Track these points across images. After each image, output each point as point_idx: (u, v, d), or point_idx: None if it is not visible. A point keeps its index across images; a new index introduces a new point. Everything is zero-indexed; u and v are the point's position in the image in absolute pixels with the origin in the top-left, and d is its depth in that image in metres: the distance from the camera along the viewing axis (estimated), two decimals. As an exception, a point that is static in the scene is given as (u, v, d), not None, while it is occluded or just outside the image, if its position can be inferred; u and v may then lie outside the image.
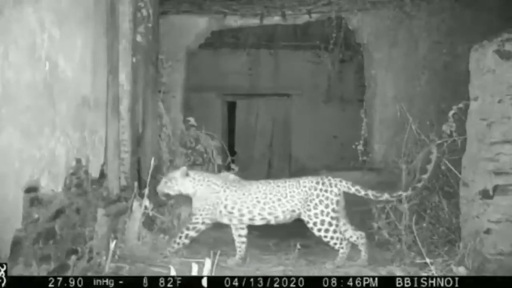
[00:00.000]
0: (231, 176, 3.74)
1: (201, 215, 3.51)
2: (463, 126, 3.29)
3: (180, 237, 3.51)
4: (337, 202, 3.44)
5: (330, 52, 6.77)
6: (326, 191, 3.43)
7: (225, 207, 3.50)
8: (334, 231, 3.40)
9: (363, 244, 3.52)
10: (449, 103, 4.11)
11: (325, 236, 3.41)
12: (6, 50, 2.03)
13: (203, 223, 3.51)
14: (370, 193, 3.50)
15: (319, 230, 3.40)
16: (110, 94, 3.38)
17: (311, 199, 3.41)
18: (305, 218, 3.44)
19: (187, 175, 3.54)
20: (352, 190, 3.50)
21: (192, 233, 3.51)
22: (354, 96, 7.62)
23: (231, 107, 8.74)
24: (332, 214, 3.40)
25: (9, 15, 2.06)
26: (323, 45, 6.80)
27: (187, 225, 3.55)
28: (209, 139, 5.51)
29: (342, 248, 3.44)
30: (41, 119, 2.31)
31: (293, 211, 3.47)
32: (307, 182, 3.46)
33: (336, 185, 3.47)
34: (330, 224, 3.39)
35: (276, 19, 6.06)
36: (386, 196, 3.49)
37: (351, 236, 3.54)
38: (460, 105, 3.71)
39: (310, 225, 3.42)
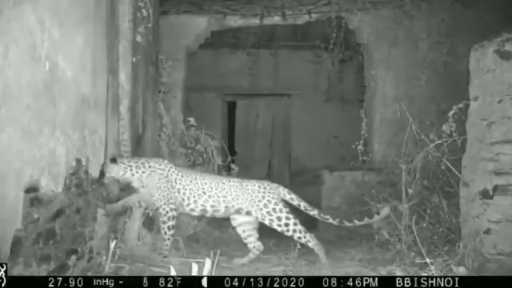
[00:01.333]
0: (165, 160, 3.70)
1: (165, 203, 3.48)
2: (463, 126, 3.29)
3: (165, 233, 3.50)
4: (281, 199, 3.56)
5: (330, 52, 6.76)
6: (269, 193, 3.54)
7: (178, 191, 3.51)
8: (295, 224, 3.48)
9: (254, 254, 3.65)
10: (449, 103, 4.11)
11: (287, 231, 3.48)
12: (6, 50, 2.03)
13: (172, 209, 3.49)
14: (302, 205, 3.60)
15: (279, 225, 3.48)
16: (110, 94, 3.38)
17: (259, 199, 3.51)
18: (259, 216, 3.51)
19: (114, 161, 3.40)
20: (287, 197, 3.61)
21: (171, 223, 3.49)
22: (354, 96, 7.62)
23: (231, 107, 8.73)
24: (285, 209, 3.51)
25: (9, 15, 2.06)
26: (323, 45, 6.80)
27: (161, 219, 3.51)
28: (209, 139, 5.51)
29: (309, 240, 3.49)
30: (41, 119, 2.31)
31: (240, 209, 3.54)
32: (249, 185, 3.56)
33: (274, 189, 3.59)
34: (288, 218, 3.48)
35: (276, 19, 6.06)
36: (315, 212, 3.59)
37: (250, 242, 3.67)
38: (460, 105, 3.71)
39: (267, 221, 3.51)
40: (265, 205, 3.50)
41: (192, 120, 5.43)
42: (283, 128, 8.56)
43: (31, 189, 2.22)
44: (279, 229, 3.50)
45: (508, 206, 2.81)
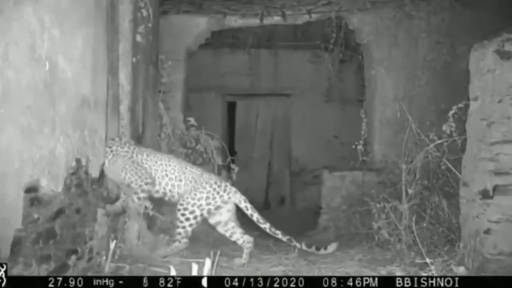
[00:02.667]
0: (128, 141, 3.66)
1: (136, 179, 3.43)
2: (463, 126, 3.29)
3: (140, 204, 3.48)
4: (218, 207, 3.54)
5: (330, 52, 6.76)
6: (217, 193, 3.52)
7: (146, 170, 3.49)
8: (190, 225, 3.48)
9: (247, 248, 3.62)
10: (449, 103, 4.11)
11: (181, 222, 3.46)
12: (6, 50, 2.03)
13: (146, 183, 3.46)
14: (255, 216, 3.61)
15: (183, 214, 3.46)
16: (110, 94, 3.38)
17: (201, 191, 3.49)
18: (182, 201, 3.49)
19: None
20: (242, 205, 3.61)
21: (143, 195, 3.44)
22: (354, 96, 7.62)
23: (231, 107, 8.73)
24: (204, 212, 3.50)
25: (9, 15, 2.06)
26: (323, 45, 6.80)
27: (134, 194, 3.44)
28: (209, 139, 5.51)
29: (180, 242, 3.50)
30: (41, 119, 2.31)
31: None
32: (207, 178, 3.54)
33: (228, 193, 3.57)
34: (195, 217, 3.47)
35: (276, 19, 6.06)
36: (266, 225, 3.59)
37: (238, 239, 3.66)
38: (460, 105, 3.72)
39: (179, 206, 3.48)
40: (199, 199, 3.47)
41: (192, 120, 5.43)
42: (283, 128, 8.56)
43: (31, 189, 2.22)
44: (178, 214, 3.47)
45: (508, 206, 2.81)
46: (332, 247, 3.64)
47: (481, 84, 3.04)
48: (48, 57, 2.35)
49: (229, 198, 3.57)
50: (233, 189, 3.63)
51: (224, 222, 3.65)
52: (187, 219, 3.47)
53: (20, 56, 2.13)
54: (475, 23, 5.21)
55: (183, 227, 3.48)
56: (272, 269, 3.43)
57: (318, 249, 3.61)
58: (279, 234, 3.58)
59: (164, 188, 3.53)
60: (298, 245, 3.58)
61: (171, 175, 3.53)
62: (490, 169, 2.89)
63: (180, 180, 3.53)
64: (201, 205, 3.48)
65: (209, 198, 3.50)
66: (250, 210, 3.60)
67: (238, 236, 3.66)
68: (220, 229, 3.70)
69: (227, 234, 3.70)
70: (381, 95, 5.74)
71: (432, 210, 3.86)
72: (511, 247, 2.80)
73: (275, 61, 8.17)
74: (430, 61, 5.54)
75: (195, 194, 3.49)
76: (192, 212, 3.47)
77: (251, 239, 3.66)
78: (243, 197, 3.63)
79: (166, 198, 3.60)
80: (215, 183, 3.56)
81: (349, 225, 4.89)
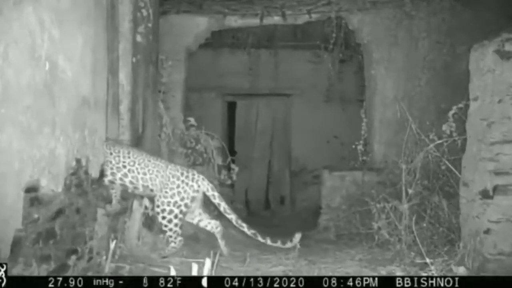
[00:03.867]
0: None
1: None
2: (463, 126, 3.29)
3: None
4: (193, 198, 3.54)
5: (330, 52, 6.76)
6: (187, 184, 3.51)
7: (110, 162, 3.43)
8: (176, 225, 3.49)
9: (218, 232, 3.66)
10: (449, 103, 4.11)
11: (166, 226, 3.49)
12: (6, 50, 2.03)
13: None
14: (222, 205, 3.60)
15: (164, 218, 3.47)
16: (110, 94, 3.39)
17: (171, 187, 3.47)
18: (157, 201, 3.49)
19: None
20: (209, 193, 3.60)
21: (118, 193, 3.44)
22: (354, 96, 7.62)
23: (231, 107, 8.73)
24: (183, 208, 3.50)
25: (9, 15, 2.06)
26: (323, 45, 6.79)
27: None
28: (209, 139, 5.51)
29: (175, 243, 3.53)
30: (41, 119, 2.31)
31: (151, 190, 3.52)
32: (173, 170, 3.52)
33: (197, 182, 3.56)
34: (176, 216, 3.48)
35: (276, 19, 6.06)
36: (232, 216, 3.58)
37: (206, 225, 3.71)
38: (460, 105, 3.71)
39: (157, 209, 3.49)
40: (172, 195, 3.46)
41: (192, 120, 5.43)
42: (283, 128, 8.56)
43: (31, 189, 2.22)
44: (161, 220, 3.49)
45: (508, 206, 2.81)
46: (296, 239, 3.61)
47: (481, 84, 3.04)
48: (48, 57, 2.35)
49: (198, 186, 3.55)
50: (201, 176, 3.61)
51: (191, 210, 3.65)
52: (170, 221, 3.47)
53: (20, 56, 2.13)
54: (475, 23, 5.21)
55: (170, 229, 3.49)
56: (272, 269, 3.42)
57: (283, 243, 3.59)
58: (244, 228, 3.57)
59: (122, 180, 3.44)
60: (262, 240, 3.57)
61: (131, 167, 3.45)
62: (490, 169, 2.89)
63: (145, 174, 3.47)
64: (176, 202, 3.47)
65: (181, 193, 3.48)
66: (217, 199, 3.59)
67: (206, 222, 3.68)
68: (186, 217, 3.69)
69: (194, 222, 3.72)
70: (381, 95, 5.74)
71: (432, 210, 3.86)
72: (511, 247, 2.80)
73: (275, 61, 8.17)
74: (430, 61, 5.54)
75: (166, 192, 3.47)
76: (171, 212, 3.47)
77: (218, 222, 3.68)
78: (210, 185, 3.61)
79: (129, 191, 3.56)
80: (182, 174, 3.52)
81: (349, 225, 4.89)
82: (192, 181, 3.53)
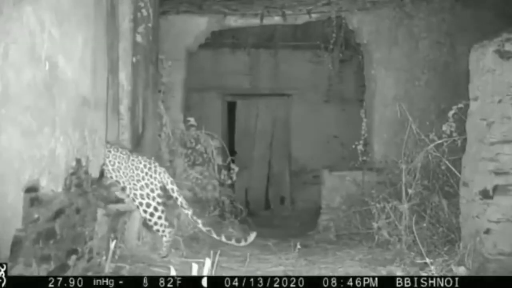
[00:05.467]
0: None
1: None
2: (463, 126, 3.29)
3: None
4: (161, 188, 3.51)
5: (330, 52, 6.75)
6: (151, 176, 3.48)
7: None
8: (159, 217, 3.47)
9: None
10: (449, 103, 4.11)
11: (150, 220, 3.48)
12: (6, 50, 2.03)
13: None
14: (180, 200, 3.56)
15: (145, 211, 3.47)
16: (110, 94, 3.38)
17: (138, 179, 3.45)
18: (131, 195, 3.47)
19: None
20: (169, 186, 3.56)
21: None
22: (354, 96, 7.62)
23: (231, 107, 8.73)
24: (158, 199, 3.48)
25: (9, 15, 2.06)
26: (323, 45, 6.80)
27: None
28: (209, 139, 5.51)
29: (166, 236, 3.51)
30: (41, 119, 2.31)
31: (117, 182, 3.49)
32: (135, 161, 3.48)
33: (159, 174, 3.53)
34: (155, 209, 3.46)
35: (276, 19, 6.06)
36: (189, 212, 3.54)
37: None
38: (460, 105, 3.71)
39: (136, 203, 3.47)
40: (142, 187, 3.44)
41: (192, 120, 5.42)
42: (283, 128, 8.56)
43: (31, 189, 2.21)
44: (143, 214, 3.48)
45: (508, 206, 2.81)
46: (251, 238, 3.57)
47: (481, 84, 3.04)
48: (48, 57, 2.35)
49: (161, 178, 3.53)
50: (163, 169, 3.59)
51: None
52: (151, 214, 3.45)
53: (20, 56, 2.13)
54: (475, 23, 5.21)
55: (156, 223, 3.47)
56: (272, 269, 3.43)
57: (238, 241, 3.56)
58: (199, 224, 3.54)
59: None
60: (217, 237, 3.54)
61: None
62: (490, 169, 2.89)
63: (106, 165, 3.41)
64: (148, 194, 3.44)
65: (149, 185, 3.46)
66: (176, 193, 3.56)
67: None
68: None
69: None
70: (381, 95, 5.75)
71: (432, 210, 3.86)
72: (511, 247, 2.80)
73: (275, 61, 8.17)
74: (430, 61, 5.55)
75: (135, 185, 3.43)
76: (149, 205, 3.45)
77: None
78: (170, 178, 3.59)
79: None
80: (145, 166, 3.49)
81: (349, 225, 4.89)
82: (155, 172, 3.50)
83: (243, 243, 3.56)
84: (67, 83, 2.60)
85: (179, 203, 3.56)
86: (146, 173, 3.47)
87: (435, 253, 3.32)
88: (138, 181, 3.45)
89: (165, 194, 3.60)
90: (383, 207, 3.96)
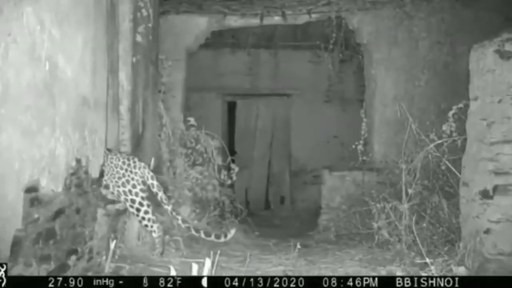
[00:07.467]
0: None
1: None
2: (463, 126, 3.29)
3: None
4: (143, 183, 3.50)
5: (330, 52, 6.75)
6: (131, 172, 3.46)
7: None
8: (146, 212, 3.46)
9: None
10: (449, 103, 4.11)
11: (137, 215, 3.46)
12: (6, 50, 2.03)
13: None
14: (160, 195, 3.55)
15: (131, 207, 3.45)
16: (110, 94, 3.38)
17: (119, 176, 3.43)
18: (115, 192, 3.44)
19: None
20: (149, 182, 3.54)
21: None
22: (354, 96, 7.61)
23: (231, 107, 8.73)
24: (141, 194, 3.45)
25: (9, 15, 2.06)
26: (323, 45, 6.79)
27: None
28: (209, 139, 5.51)
29: (155, 231, 3.50)
30: (41, 119, 2.31)
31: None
32: (114, 159, 3.45)
33: (139, 169, 3.51)
34: (141, 204, 3.44)
35: (276, 19, 6.06)
36: (169, 208, 3.54)
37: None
38: (460, 105, 3.72)
39: (122, 199, 3.45)
40: (123, 184, 3.42)
41: (192, 120, 5.42)
42: (283, 128, 8.55)
43: (31, 189, 2.22)
44: (130, 210, 3.47)
45: (508, 206, 2.81)
46: (230, 234, 3.57)
47: (481, 84, 3.04)
48: (48, 57, 2.35)
49: (141, 173, 3.51)
50: (142, 164, 3.56)
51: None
52: (138, 210, 3.44)
53: (20, 56, 2.13)
54: (475, 23, 5.21)
55: (143, 218, 3.45)
56: (272, 269, 3.43)
57: (218, 237, 3.55)
58: (179, 220, 3.54)
59: None
60: (196, 233, 3.53)
61: None
62: (490, 169, 2.89)
63: None
64: (130, 190, 3.42)
65: (130, 181, 3.43)
66: (155, 188, 3.55)
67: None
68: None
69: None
70: (381, 95, 5.75)
71: (432, 210, 3.86)
72: (511, 247, 2.80)
73: (275, 61, 8.17)
74: (430, 61, 5.55)
75: (117, 182, 3.41)
76: (133, 201, 3.43)
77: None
78: (151, 173, 3.57)
79: None
80: (124, 163, 3.46)
81: (349, 225, 4.89)
82: (134, 168, 3.48)
83: (222, 239, 3.56)
84: (67, 83, 2.60)
85: (159, 198, 3.55)
86: (126, 170, 3.44)
87: (435, 253, 3.32)
88: (119, 178, 3.42)
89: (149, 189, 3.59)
90: (383, 207, 3.95)
